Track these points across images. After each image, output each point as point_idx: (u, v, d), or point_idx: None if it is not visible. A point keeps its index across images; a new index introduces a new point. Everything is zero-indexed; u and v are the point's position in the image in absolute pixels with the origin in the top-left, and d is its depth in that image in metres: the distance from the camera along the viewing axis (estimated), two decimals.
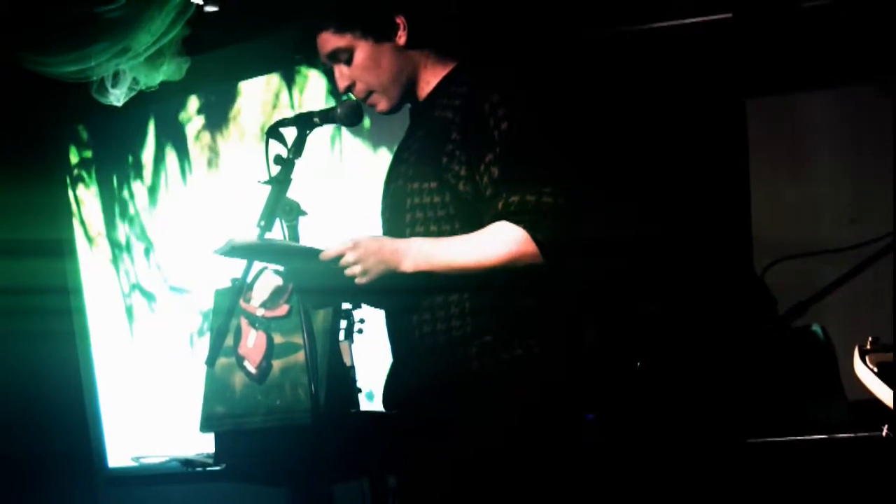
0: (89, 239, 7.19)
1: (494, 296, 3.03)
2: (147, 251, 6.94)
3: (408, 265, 3.00)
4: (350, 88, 3.23)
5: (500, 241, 2.97)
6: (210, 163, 6.70)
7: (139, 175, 6.96)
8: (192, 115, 6.77)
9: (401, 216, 3.15)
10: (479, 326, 3.04)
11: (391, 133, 5.71)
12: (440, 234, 3.07)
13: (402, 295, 3.09)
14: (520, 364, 3.00)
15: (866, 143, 4.86)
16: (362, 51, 3.18)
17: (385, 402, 3.29)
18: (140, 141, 6.97)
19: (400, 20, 3.18)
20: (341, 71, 3.23)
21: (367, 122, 5.08)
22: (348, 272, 2.97)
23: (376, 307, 3.35)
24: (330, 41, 3.20)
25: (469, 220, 3.06)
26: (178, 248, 6.77)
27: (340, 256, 2.97)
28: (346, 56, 3.20)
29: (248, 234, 2.98)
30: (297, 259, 3.07)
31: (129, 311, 7.02)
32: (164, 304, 6.85)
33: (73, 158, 7.26)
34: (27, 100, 6.65)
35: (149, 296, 6.95)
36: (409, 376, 3.17)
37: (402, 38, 3.19)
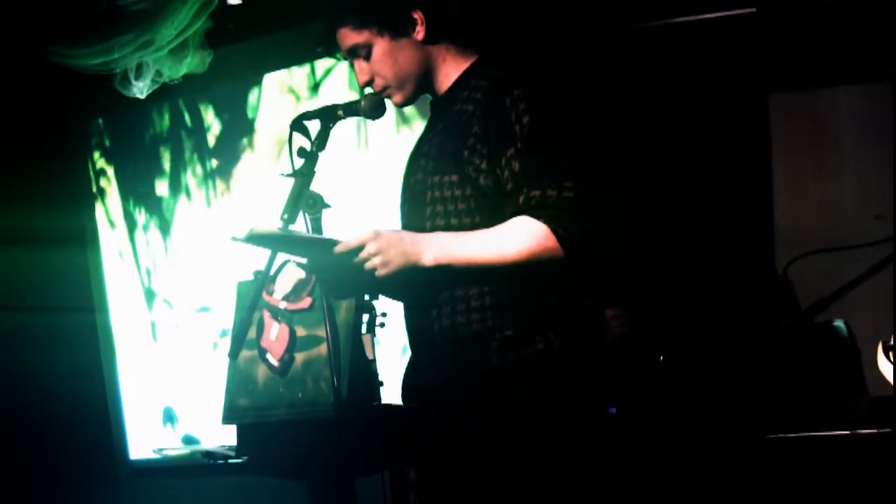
0: (111, 224, 7.21)
1: (515, 290, 3.03)
2: (167, 243, 6.96)
3: (428, 258, 3.00)
4: (369, 83, 3.24)
5: (521, 236, 2.97)
6: (233, 155, 6.71)
7: (160, 167, 6.98)
8: (213, 109, 6.78)
9: (421, 209, 3.15)
10: (500, 320, 3.04)
11: (418, 126, 5.72)
12: (461, 227, 3.07)
13: (422, 288, 3.10)
14: (540, 358, 3.01)
15: (890, 138, 4.83)
16: (380, 47, 3.18)
17: (404, 395, 3.30)
18: (160, 133, 6.99)
19: (418, 16, 3.18)
20: (361, 66, 3.23)
21: (393, 114, 5.09)
22: (368, 264, 2.97)
23: (397, 299, 3.35)
24: (349, 37, 3.20)
25: (490, 213, 3.06)
26: (198, 237, 6.79)
27: (361, 248, 2.97)
28: (364, 52, 3.20)
29: (269, 223, 2.98)
30: (317, 250, 3.07)
31: (150, 303, 7.04)
32: (185, 297, 6.87)
33: (97, 152, 7.28)
34: (51, 92, 6.68)
35: (169, 288, 6.96)
36: (429, 369, 3.17)
37: (420, 33, 3.19)
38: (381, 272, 2.97)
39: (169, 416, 6.88)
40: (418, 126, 5.58)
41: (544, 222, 2.95)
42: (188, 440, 6.72)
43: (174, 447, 6.65)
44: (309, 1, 4.76)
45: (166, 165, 6.95)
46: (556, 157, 3.01)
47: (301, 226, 3.10)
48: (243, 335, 3.52)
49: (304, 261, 3.21)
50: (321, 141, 3.16)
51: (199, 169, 6.81)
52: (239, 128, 6.65)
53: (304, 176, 3.11)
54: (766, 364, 4.14)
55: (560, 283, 3.04)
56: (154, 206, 7.00)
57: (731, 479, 4.08)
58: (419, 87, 3.24)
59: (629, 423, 4.25)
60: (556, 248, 2.96)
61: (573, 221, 2.96)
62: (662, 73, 5.12)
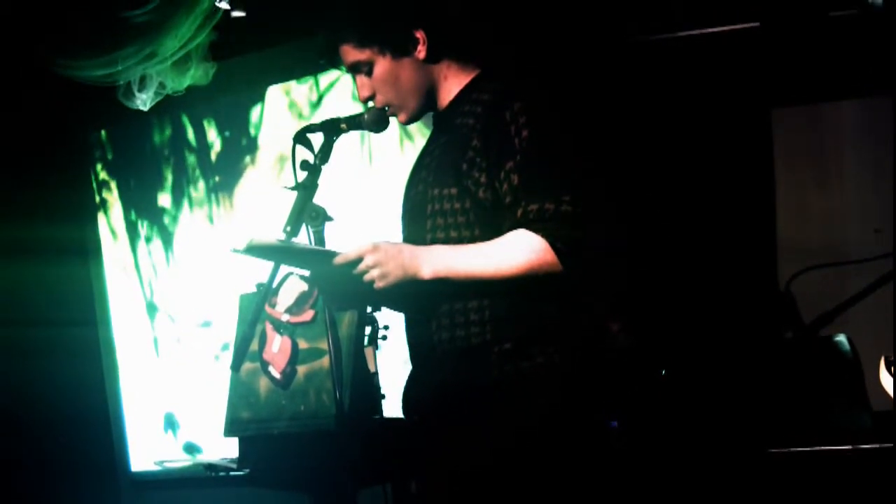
0: (114, 236, 7.21)
1: (514, 303, 3.03)
2: (169, 256, 6.96)
3: (426, 271, 3.00)
4: (371, 98, 3.24)
5: (519, 250, 2.97)
6: (235, 170, 6.71)
7: (163, 180, 6.98)
8: (216, 123, 6.78)
9: (421, 222, 3.15)
10: (499, 334, 3.04)
11: (420, 139, 5.72)
12: (460, 240, 3.07)
13: (421, 300, 3.10)
14: (540, 372, 3.00)
15: (891, 152, 4.83)
16: (382, 65, 3.19)
17: (404, 407, 3.29)
18: (163, 146, 6.99)
19: (420, 35, 3.18)
20: (363, 81, 3.23)
21: (395, 127, 5.09)
22: (367, 277, 2.97)
23: (397, 311, 3.35)
24: (350, 54, 3.21)
25: (489, 226, 3.06)
26: (200, 250, 6.79)
27: (360, 260, 2.97)
28: (366, 68, 3.21)
29: (268, 234, 2.98)
30: (317, 261, 3.07)
31: (152, 317, 7.03)
32: (187, 310, 6.86)
33: (99, 164, 7.28)
34: (54, 103, 6.68)
35: (172, 302, 6.96)
36: (429, 382, 3.17)
37: (421, 52, 3.19)
38: (379, 284, 2.97)
39: (170, 423, 6.88)
40: (420, 139, 5.59)
41: (542, 236, 2.95)
42: (189, 448, 6.72)
43: (176, 459, 6.65)
44: (312, 15, 4.77)
45: (169, 178, 6.95)
46: (555, 171, 3.01)
47: (304, 238, 3.10)
48: (246, 348, 3.52)
49: (306, 273, 3.21)
50: (324, 154, 3.15)
51: (201, 183, 6.81)
52: (241, 143, 6.65)
53: (307, 189, 3.11)
54: (768, 378, 4.14)
55: (560, 295, 3.04)
56: (156, 219, 7.00)
57: (732, 493, 4.07)
58: (422, 104, 3.24)
59: (631, 436, 4.25)
60: (555, 261, 2.96)
61: (572, 235, 2.96)
62: (666, 87, 5.12)
